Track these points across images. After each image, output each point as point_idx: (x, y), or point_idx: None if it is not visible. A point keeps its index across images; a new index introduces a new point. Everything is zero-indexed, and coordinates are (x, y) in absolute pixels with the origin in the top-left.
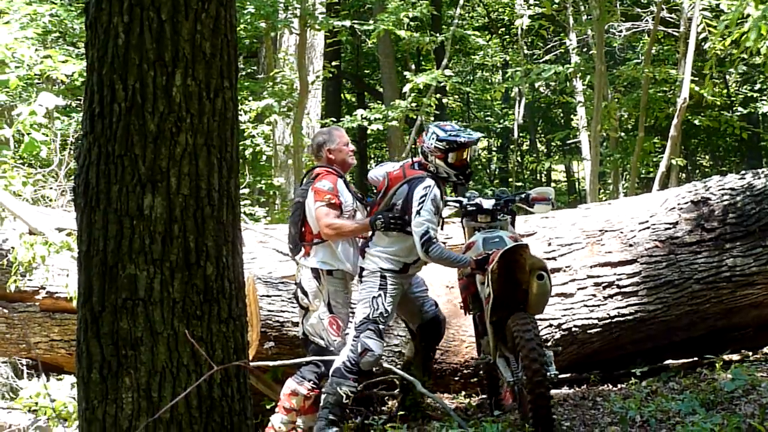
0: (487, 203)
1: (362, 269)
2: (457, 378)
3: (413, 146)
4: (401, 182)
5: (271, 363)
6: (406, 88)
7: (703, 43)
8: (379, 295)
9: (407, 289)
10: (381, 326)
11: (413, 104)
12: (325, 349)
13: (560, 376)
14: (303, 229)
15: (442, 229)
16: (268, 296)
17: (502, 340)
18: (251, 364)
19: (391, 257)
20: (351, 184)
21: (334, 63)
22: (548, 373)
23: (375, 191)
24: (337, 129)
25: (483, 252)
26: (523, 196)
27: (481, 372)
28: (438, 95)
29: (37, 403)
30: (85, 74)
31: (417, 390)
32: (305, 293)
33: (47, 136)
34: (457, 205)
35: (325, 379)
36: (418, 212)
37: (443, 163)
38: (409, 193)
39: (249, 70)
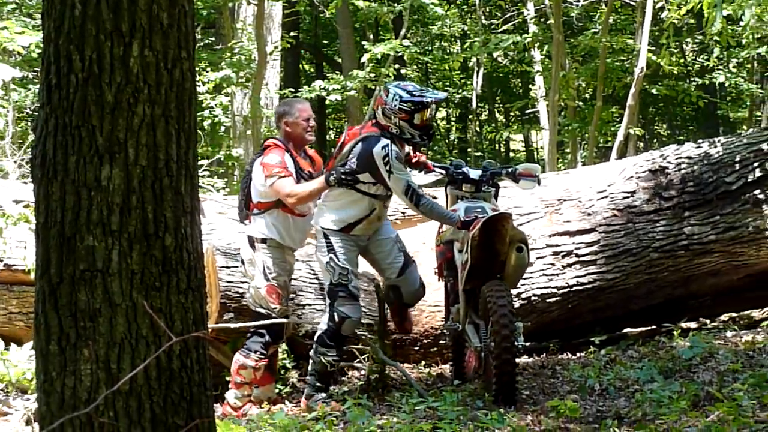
0: (474, 173)
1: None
2: (417, 348)
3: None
4: (356, 139)
5: (231, 326)
6: (365, 58)
7: (660, 13)
8: (330, 258)
9: (367, 246)
10: (350, 285)
11: (372, 74)
12: (267, 317)
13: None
14: (248, 198)
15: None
16: (227, 267)
17: (473, 307)
18: (210, 326)
19: (334, 216)
20: (302, 159)
21: (292, 33)
22: (516, 343)
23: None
24: (301, 102)
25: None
26: (510, 170)
27: (447, 339)
28: (396, 65)
29: None
30: (41, 46)
31: (378, 357)
32: (242, 262)
33: (3, 107)
34: (443, 172)
35: (272, 346)
36: (390, 171)
37: (407, 124)
38: (362, 152)
39: (207, 41)
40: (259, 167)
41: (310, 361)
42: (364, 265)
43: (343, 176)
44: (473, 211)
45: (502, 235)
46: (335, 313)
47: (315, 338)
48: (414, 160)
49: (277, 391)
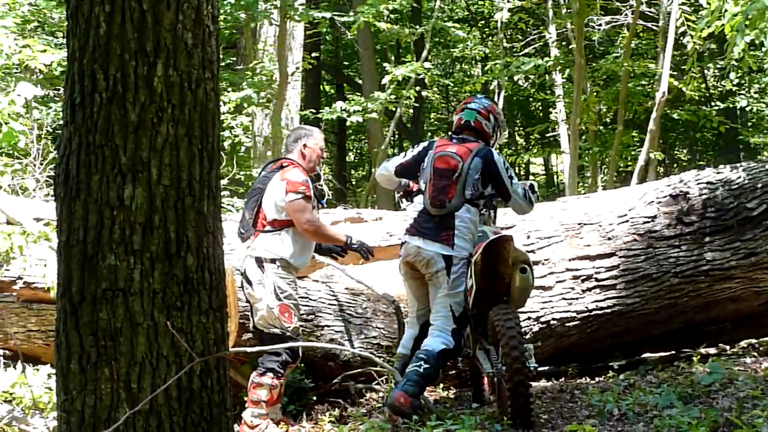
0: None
1: (450, 258)
2: None
3: (391, 139)
4: (471, 156)
5: (249, 349)
6: (386, 80)
7: (681, 38)
8: (471, 285)
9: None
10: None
11: (392, 96)
12: (282, 336)
13: (538, 369)
14: (257, 216)
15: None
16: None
17: (482, 333)
18: (231, 349)
19: (471, 239)
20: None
21: (313, 54)
22: (528, 365)
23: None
24: (320, 132)
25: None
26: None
27: (462, 364)
28: (417, 87)
29: (12, 394)
30: (63, 64)
31: (396, 379)
32: (249, 282)
33: (25, 126)
34: None
35: (290, 366)
36: (510, 177)
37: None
38: (488, 165)
39: (228, 61)
40: (280, 183)
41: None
42: (382, 287)
43: (364, 247)
44: (477, 235)
45: (505, 258)
46: (462, 339)
47: (438, 351)
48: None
49: (295, 412)
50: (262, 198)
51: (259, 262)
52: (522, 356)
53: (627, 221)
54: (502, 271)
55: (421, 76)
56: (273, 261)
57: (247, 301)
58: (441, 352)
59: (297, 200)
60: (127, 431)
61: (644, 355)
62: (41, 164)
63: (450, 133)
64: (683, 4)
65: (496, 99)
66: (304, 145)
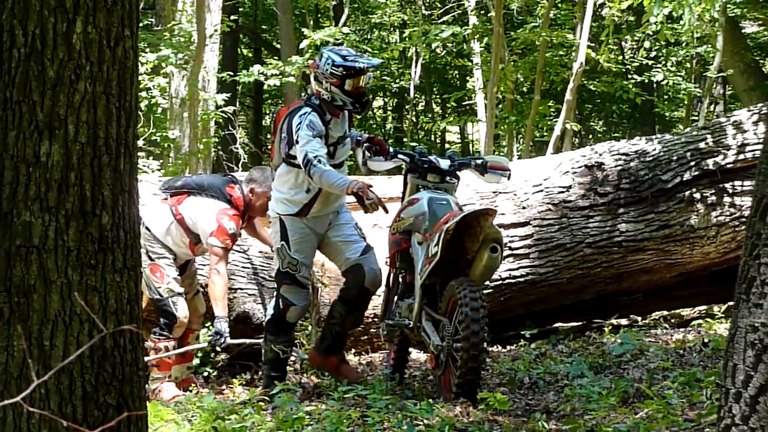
0: (444, 163)
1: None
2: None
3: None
4: (283, 117)
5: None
6: (304, 45)
7: (600, 9)
8: (282, 245)
9: (325, 232)
10: (298, 276)
11: (310, 61)
12: (158, 299)
13: None
14: (181, 195)
15: (332, 156)
16: None
17: (429, 304)
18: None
19: (286, 199)
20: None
21: (232, 17)
22: (486, 340)
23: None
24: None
25: (426, 211)
26: (479, 162)
27: (384, 334)
28: None
29: None
30: None
31: (309, 344)
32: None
33: None
34: (407, 159)
35: (164, 328)
36: (296, 141)
37: (339, 90)
38: (288, 126)
39: (146, 22)
40: (213, 217)
41: (262, 351)
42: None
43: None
44: (438, 203)
45: (476, 233)
46: (280, 300)
47: (264, 326)
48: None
49: (206, 374)
50: (199, 193)
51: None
52: (482, 330)
53: (542, 191)
54: (468, 246)
55: (339, 41)
56: (147, 228)
57: None
58: (265, 330)
59: (217, 248)
60: (39, 389)
61: (556, 325)
62: None
63: None
64: None
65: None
66: (252, 190)
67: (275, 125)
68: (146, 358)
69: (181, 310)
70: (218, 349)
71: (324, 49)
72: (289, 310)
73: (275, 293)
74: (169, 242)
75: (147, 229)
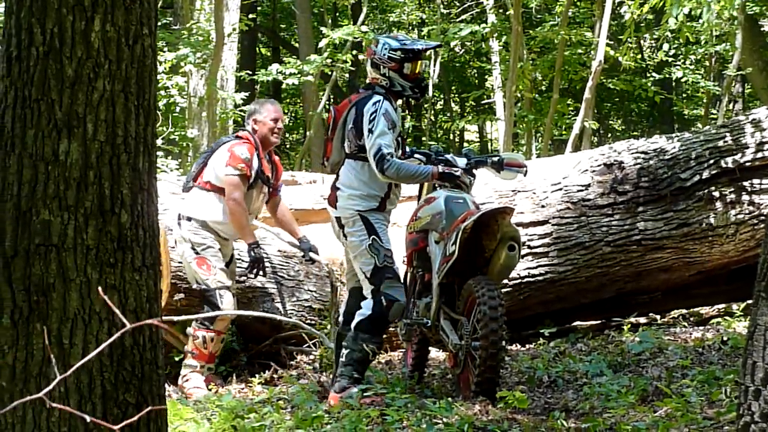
0: (461, 162)
1: (339, 219)
2: None
3: (327, 102)
4: (349, 107)
5: (176, 318)
6: (322, 44)
7: (618, 7)
8: (373, 240)
9: None
10: (395, 267)
11: (329, 60)
12: (206, 292)
13: None
14: (200, 172)
15: (401, 150)
16: None
17: (447, 303)
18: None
19: (364, 194)
20: (266, 163)
21: (250, 16)
22: (505, 339)
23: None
24: (272, 103)
25: (443, 210)
26: (495, 159)
27: (402, 334)
28: (354, 51)
29: None
30: (0, 19)
31: (325, 345)
32: (176, 242)
33: None
34: (423, 158)
35: (207, 319)
36: (370, 130)
37: (398, 74)
38: (358, 115)
39: (165, 21)
40: (225, 152)
41: (345, 351)
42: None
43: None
44: (454, 201)
45: (493, 231)
46: (383, 297)
47: (355, 325)
48: None
49: (225, 373)
50: (210, 158)
51: (178, 218)
52: (501, 329)
53: (560, 189)
54: (485, 245)
55: (358, 40)
56: (189, 219)
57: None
58: (356, 328)
59: (232, 176)
60: (58, 387)
61: (575, 323)
62: None
63: None
64: None
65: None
66: (254, 120)
67: (335, 122)
68: (185, 347)
69: (227, 303)
70: (261, 274)
71: (379, 36)
72: (394, 307)
73: (372, 293)
74: (225, 219)
75: (189, 219)
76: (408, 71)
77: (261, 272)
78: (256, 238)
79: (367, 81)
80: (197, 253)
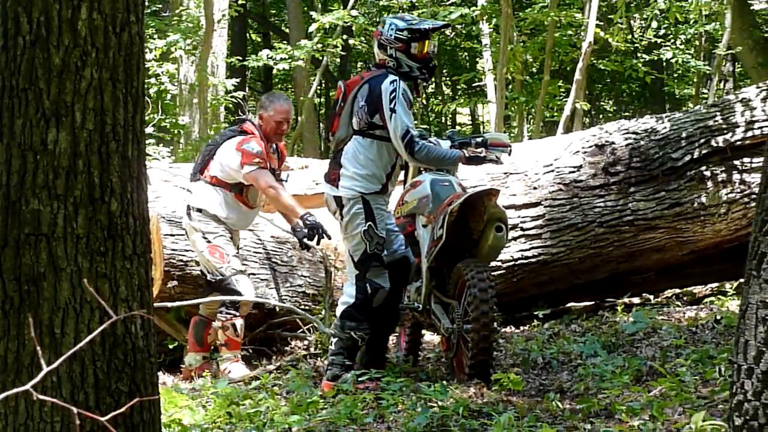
0: (445, 144)
1: (339, 198)
2: None
3: (318, 87)
4: (360, 83)
5: (169, 304)
6: (312, 28)
7: None
8: (369, 226)
9: None
10: (383, 255)
11: (319, 45)
12: (222, 282)
13: None
14: (205, 164)
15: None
16: (171, 235)
17: (438, 287)
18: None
19: (368, 174)
20: (271, 152)
21: (240, 2)
22: (496, 320)
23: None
24: (283, 103)
25: (429, 194)
26: (479, 140)
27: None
28: (344, 36)
29: None
30: None
31: (320, 329)
32: (185, 230)
33: None
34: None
35: (230, 306)
36: (393, 110)
37: (405, 55)
38: (372, 92)
39: (154, 8)
40: (234, 151)
41: (334, 340)
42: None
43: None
44: (440, 184)
45: (480, 213)
46: (368, 285)
47: (340, 313)
48: None
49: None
50: (216, 151)
51: (188, 209)
52: (491, 311)
53: (552, 171)
54: (473, 227)
55: (348, 24)
56: (199, 210)
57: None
58: (342, 317)
59: (254, 172)
60: (50, 376)
61: (569, 305)
62: None
63: None
64: None
65: None
66: (260, 116)
67: (345, 96)
68: (217, 342)
69: (244, 286)
70: (323, 239)
71: (386, 17)
72: (378, 293)
73: (357, 279)
74: (232, 214)
75: (198, 210)
76: (415, 51)
77: (322, 237)
78: (305, 208)
79: (377, 61)
80: (209, 241)
